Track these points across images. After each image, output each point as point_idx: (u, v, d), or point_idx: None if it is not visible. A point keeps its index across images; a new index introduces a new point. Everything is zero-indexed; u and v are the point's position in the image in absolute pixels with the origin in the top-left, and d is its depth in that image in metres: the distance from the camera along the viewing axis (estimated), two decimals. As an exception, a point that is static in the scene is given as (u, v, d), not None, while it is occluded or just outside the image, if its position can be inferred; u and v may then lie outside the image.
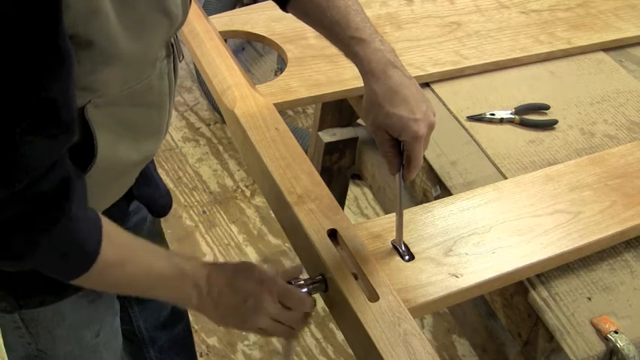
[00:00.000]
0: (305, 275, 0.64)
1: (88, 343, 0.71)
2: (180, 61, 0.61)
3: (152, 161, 0.74)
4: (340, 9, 0.61)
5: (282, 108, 0.83)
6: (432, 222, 0.70)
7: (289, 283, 0.61)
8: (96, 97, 0.50)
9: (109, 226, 0.52)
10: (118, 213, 0.63)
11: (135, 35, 0.48)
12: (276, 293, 0.58)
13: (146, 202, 0.72)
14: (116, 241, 0.52)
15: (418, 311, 0.62)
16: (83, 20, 0.43)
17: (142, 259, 0.55)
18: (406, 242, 0.67)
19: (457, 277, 0.64)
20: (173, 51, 0.59)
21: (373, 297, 0.60)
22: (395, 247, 0.67)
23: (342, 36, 0.61)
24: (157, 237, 0.89)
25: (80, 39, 0.44)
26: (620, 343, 0.66)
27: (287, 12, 0.66)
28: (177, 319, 0.96)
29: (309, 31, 0.94)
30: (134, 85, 0.53)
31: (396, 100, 0.58)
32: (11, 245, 0.46)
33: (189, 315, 1.00)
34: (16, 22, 0.38)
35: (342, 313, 0.61)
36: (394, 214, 0.67)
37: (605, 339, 0.67)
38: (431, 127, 0.59)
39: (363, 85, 0.79)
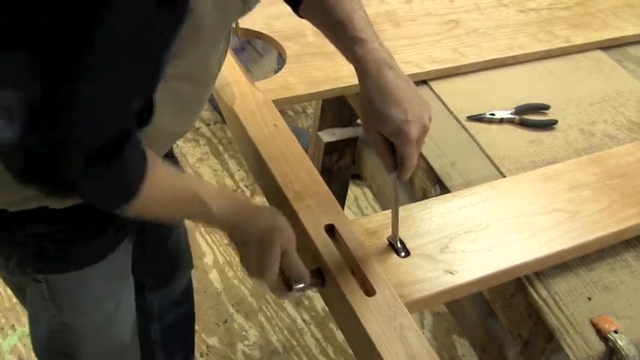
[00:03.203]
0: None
1: (109, 316, 0.74)
2: (236, 45, 0.64)
3: None
4: (346, 11, 0.62)
5: (280, 105, 0.83)
6: (429, 219, 0.71)
7: (288, 280, 0.61)
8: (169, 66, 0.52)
9: (156, 165, 0.54)
10: None
11: (219, 14, 0.51)
12: (267, 283, 0.60)
13: None
14: (159, 181, 0.54)
15: (413, 307, 0.62)
16: None
17: (179, 203, 0.57)
18: (402, 238, 0.67)
19: (452, 273, 0.64)
20: (229, 36, 0.61)
21: (370, 291, 0.60)
22: (391, 244, 0.67)
23: (344, 36, 0.62)
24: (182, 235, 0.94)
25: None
26: (620, 343, 0.65)
27: (301, 17, 0.68)
28: (184, 299, 0.99)
29: (308, 29, 0.95)
30: (198, 62, 0.56)
31: (389, 100, 0.58)
32: (65, 177, 0.48)
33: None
34: None
35: (339, 307, 0.61)
36: (390, 210, 0.67)
37: (605, 339, 0.66)
38: (424, 130, 0.59)
39: (360, 83, 0.78)
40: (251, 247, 0.59)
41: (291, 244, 0.59)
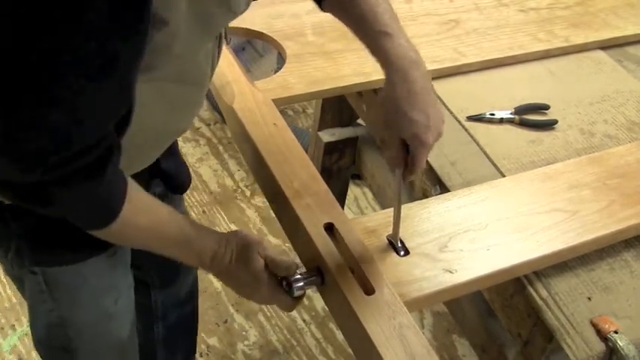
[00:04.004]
0: (302, 268, 0.64)
1: (107, 311, 0.74)
2: (227, 44, 0.64)
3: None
4: (370, 4, 0.62)
5: (280, 104, 0.83)
6: (428, 218, 0.71)
7: (286, 278, 0.61)
8: (148, 73, 0.52)
9: (133, 190, 0.54)
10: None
11: (198, 23, 0.51)
12: (265, 293, 0.61)
13: (167, 177, 0.73)
14: (137, 205, 0.55)
15: (413, 305, 0.62)
16: (163, 1, 0.45)
17: (157, 226, 0.58)
18: (401, 237, 0.67)
19: (451, 272, 0.64)
20: (220, 34, 0.61)
21: (369, 290, 0.60)
22: (390, 242, 0.67)
23: (370, 30, 0.61)
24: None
25: (157, 17, 0.46)
26: (620, 343, 0.65)
27: (324, 11, 0.67)
28: (189, 298, 0.99)
29: (308, 28, 0.95)
30: (183, 64, 0.56)
31: (416, 105, 0.58)
32: (46, 194, 0.48)
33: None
34: None
35: (338, 306, 0.61)
36: (390, 209, 0.67)
37: (605, 339, 0.66)
38: (439, 136, 0.61)
39: (360, 82, 0.79)
40: (234, 269, 0.61)
41: (267, 249, 0.61)
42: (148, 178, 0.71)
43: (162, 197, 0.79)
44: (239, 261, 0.61)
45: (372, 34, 0.61)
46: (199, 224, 0.62)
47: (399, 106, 0.58)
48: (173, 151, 0.75)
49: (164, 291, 0.93)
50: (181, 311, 0.98)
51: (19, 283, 0.73)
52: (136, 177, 0.64)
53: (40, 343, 0.77)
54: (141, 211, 0.56)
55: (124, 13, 0.40)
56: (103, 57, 0.41)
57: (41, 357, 0.80)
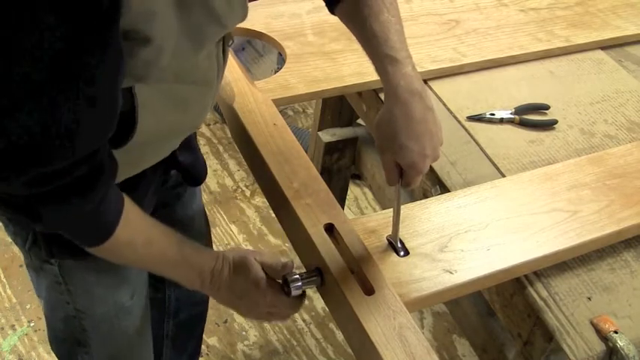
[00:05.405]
0: (301, 268, 0.64)
1: (123, 305, 0.74)
2: (230, 45, 0.63)
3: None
4: (382, 23, 0.61)
5: (280, 104, 0.83)
6: (428, 218, 0.71)
7: (285, 277, 0.61)
8: (141, 82, 0.52)
9: (130, 209, 0.54)
10: (154, 177, 0.67)
11: (190, 37, 0.52)
12: (268, 298, 0.61)
13: (184, 170, 0.74)
14: (133, 224, 0.55)
15: (412, 306, 0.62)
16: (143, 19, 0.46)
17: (155, 244, 0.58)
18: (401, 238, 0.67)
19: (451, 273, 0.64)
20: (223, 36, 0.61)
21: (369, 290, 0.60)
22: (390, 243, 0.67)
23: (378, 51, 0.61)
24: (202, 217, 0.94)
25: (139, 35, 0.47)
26: (619, 343, 0.65)
27: (334, 14, 0.67)
28: (201, 300, 0.99)
29: (308, 28, 0.95)
30: (181, 64, 0.56)
31: (412, 133, 0.59)
32: (35, 210, 0.48)
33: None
34: (79, 17, 0.40)
35: (339, 306, 0.61)
36: (390, 209, 0.67)
37: (605, 339, 0.66)
38: (435, 160, 0.61)
39: (360, 82, 0.79)
40: (233, 281, 0.61)
41: (263, 255, 0.62)
42: (165, 169, 0.71)
43: (178, 188, 0.80)
44: (237, 271, 0.61)
45: (379, 56, 0.61)
46: (195, 243, 0.62)
47: (395, 132, 0.59)
48: (190, 144, 0.75)
49: (179, 288, 0.92)
50: (193, 311, 0.98)
51: (36, 275, 0.73)
52: (153, 169, 0.64)
53: (55, 337, 0.77)
54: (137, 230, 0.56)
55: (86, 36, 0.40)
56: (74, 76, 0.41)
57: (54, 351, 0.79)
